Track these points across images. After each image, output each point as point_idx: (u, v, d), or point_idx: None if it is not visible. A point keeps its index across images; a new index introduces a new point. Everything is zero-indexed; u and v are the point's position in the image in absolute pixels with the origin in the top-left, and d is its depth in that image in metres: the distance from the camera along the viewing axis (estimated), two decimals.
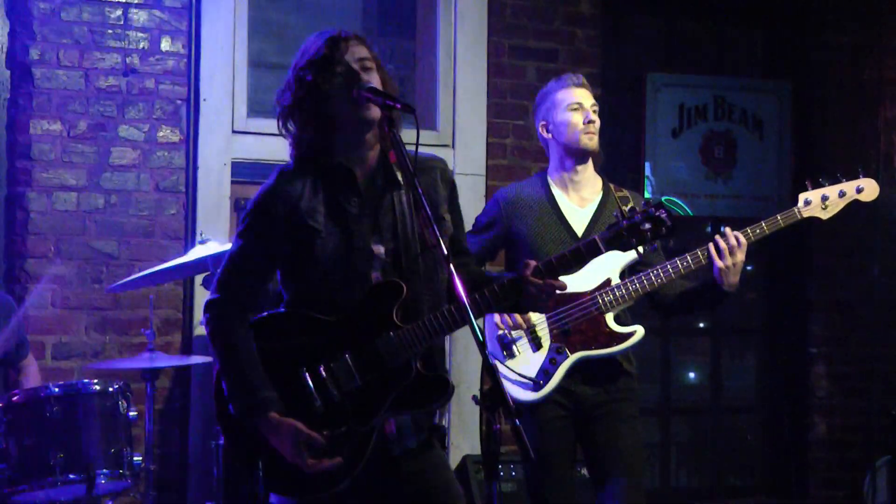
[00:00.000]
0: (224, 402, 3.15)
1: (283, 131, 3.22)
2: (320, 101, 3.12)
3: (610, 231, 3.19)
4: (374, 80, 3.13)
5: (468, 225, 4.45)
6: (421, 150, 3.07)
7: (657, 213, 3.16)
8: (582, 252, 3.18)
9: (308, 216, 3.11)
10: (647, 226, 3.15)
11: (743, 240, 4.03)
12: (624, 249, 3.20)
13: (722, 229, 4.08)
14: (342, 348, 3.09)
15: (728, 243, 4.02)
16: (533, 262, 3.14)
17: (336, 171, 3.15)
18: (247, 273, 3.17)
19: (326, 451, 3.04)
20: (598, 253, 3.18)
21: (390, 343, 3.08)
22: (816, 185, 4.17)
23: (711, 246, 4.04)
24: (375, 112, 3.10)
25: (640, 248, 3.23)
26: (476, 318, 2.99)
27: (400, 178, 3.18)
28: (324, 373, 3.08)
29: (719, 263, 4.02)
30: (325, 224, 3.12)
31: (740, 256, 4.03)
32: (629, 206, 3.24)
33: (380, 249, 3.15)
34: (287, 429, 3.03)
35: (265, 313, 3.19)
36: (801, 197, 4.17)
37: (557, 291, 3.14)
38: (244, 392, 3.07)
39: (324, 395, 3.08)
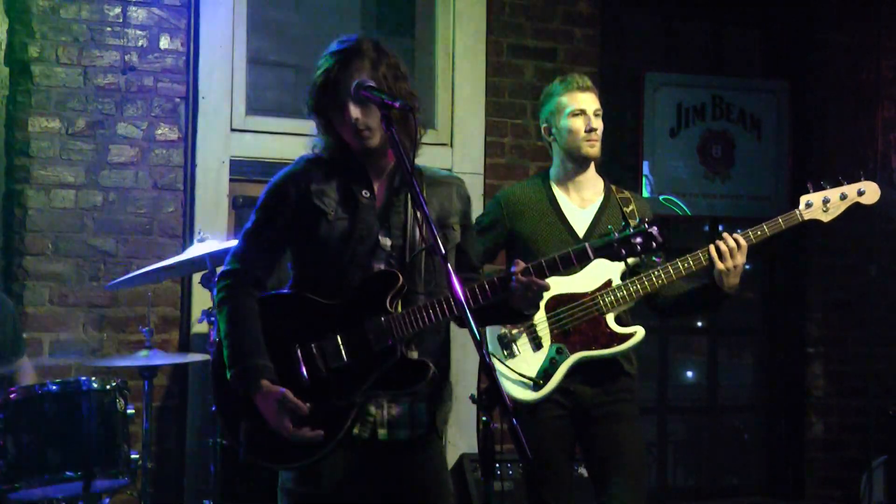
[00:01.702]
0: (220, 367, 3.25)
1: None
2: (328, 122, 3.27)
3: (602, 241, 3.30)
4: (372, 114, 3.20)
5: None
6: (419, 148, 3.13)
7: (650, 230, 3.27)
8: (571, 258, 3.27)
9: (317, 197, 3.24)
10: (639, 240, 3.27)
11: (743, 242, 4.03)
12: (613, 259, 3.32)
13: (721, 230, 4.08)
14: (335, 329, 3.21)
15: (728, 245, 4.03)
16: (522, 262, 3.23)
17: (351, 164, 3.28)
18: (259, 248, 3.31)
19: (307, 421, 3.14)
20: (587, 261, 3.30)
21: (379, 327, 3.18)
22: (818, 188, 4.16)
23: (712, 248, 4.05)
24: (373, 143, 3.22)
25: (630, 260, 3.34)
26: (471, 314, 3.05)
27: (420, 183, 3.30)
28: (314, 350, 3.20)
29: (720, 265, 4.02)
30: (335, 208, 3.24)
31: (741, 259, 4.03)
32: (629, 213, 3.33)
33: (386, 242, 3.27)
34: (274, 394, 3.14)
35: (270, 293, 3.31)
36: (803, 199, 4.16)
37: (543, 292, 3.24)
38: (241, 357, 3.19)
39: (311, 370, 3.19)
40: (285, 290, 3.33)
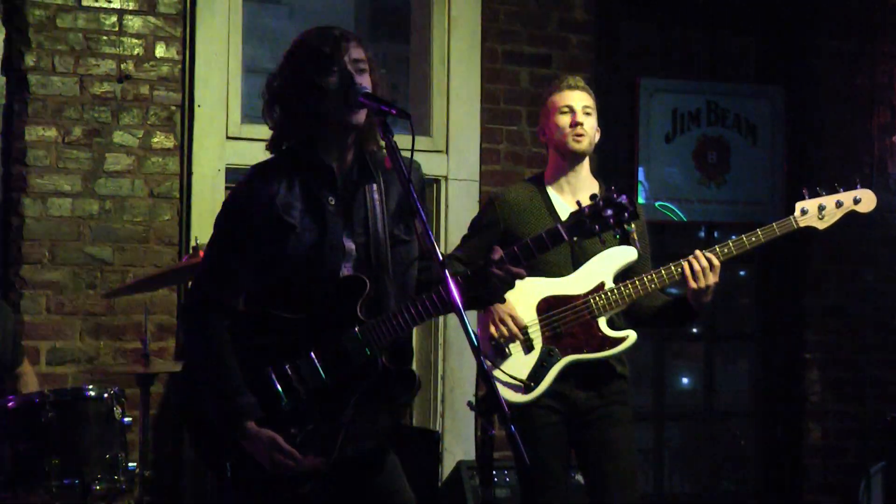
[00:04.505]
0: (192, 406, 3.16)
1: (267, 117, 3.20)
2: (313, 96, 3.11)
3: (572, 218, 3.18)
4: (367, 83, 3.12)
5: (464, 229, 4.47)
6: (414, 155, 3.08)
7: (618, 199, 3.14)
8: (544, 240, 3.17)
9: (284, 212, 3.09)
10: (609, 212, 3.13)
11: (716, 261, 4.01)
12: (587, 236, 3.18)
13: (716, 236, 4.07)
14: (307, 346, 3.08)
15: (701, 265, 4.00)
16: (496, 253, 3.10)
17: (315, 167, 3.15)
18: (226, 275, 3.14)
19: (301, 451, 3.03)
20: (560, 240, 3.17)
21: (355, 339, 3.06)
22: (813, 195, 4.15)
23: (685, 265, 4.04)
24: (362, 117, 3.11)
25: (603, 235, 3.21)
26: (443, 313, 3.02)
27: (376, 171, 3.18)
28: (289, 371, 3.07)
29: (692, 285, 4.00)
30: (302, 220, 3.10)
31: (713, 278, 4.01)
32: (591, 193, 3.24)
33: (350, 245, 3.14)
34: (264, 439, 3.02)
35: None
36: (798, 206, 4.14)
37: (518, 281, 3.11)
38: (223, 397, 3.06)
39: (290, 394, 3.06)
40: (244, 309, 3.16)
